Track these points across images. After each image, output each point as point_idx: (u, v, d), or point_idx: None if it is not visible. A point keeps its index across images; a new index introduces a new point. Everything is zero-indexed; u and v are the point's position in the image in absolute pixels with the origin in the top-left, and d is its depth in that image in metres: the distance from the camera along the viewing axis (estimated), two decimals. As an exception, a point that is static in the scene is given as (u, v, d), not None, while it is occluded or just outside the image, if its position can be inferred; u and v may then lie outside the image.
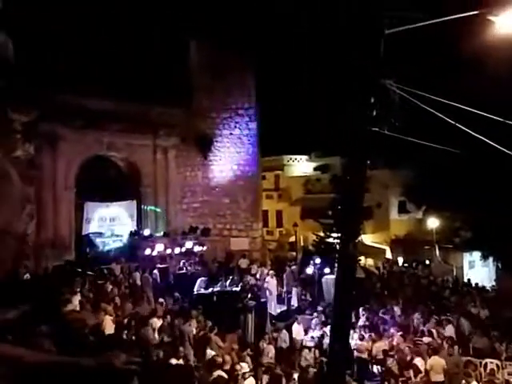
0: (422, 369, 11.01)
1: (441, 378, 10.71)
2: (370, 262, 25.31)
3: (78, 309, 10.13)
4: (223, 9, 20.95)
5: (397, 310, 15.98)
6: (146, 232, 20.00)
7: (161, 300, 14.15)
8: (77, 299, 11.00)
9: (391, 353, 12.11)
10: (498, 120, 5.94)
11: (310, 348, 12.70)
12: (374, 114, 5.19)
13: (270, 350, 11.88)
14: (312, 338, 13.25)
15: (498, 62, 12.33)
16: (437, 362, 10.89)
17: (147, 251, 18.35)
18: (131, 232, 20.55)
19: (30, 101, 13.86)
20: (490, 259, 26.58)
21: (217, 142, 23.45)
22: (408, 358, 11.57)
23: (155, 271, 16.94)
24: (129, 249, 19.54)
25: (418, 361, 11.24)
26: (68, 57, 17.72)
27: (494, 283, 24.01)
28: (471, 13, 4.87)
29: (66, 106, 17.53)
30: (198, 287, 15.51)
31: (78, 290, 12.02)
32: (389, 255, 24.94)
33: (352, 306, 6.91)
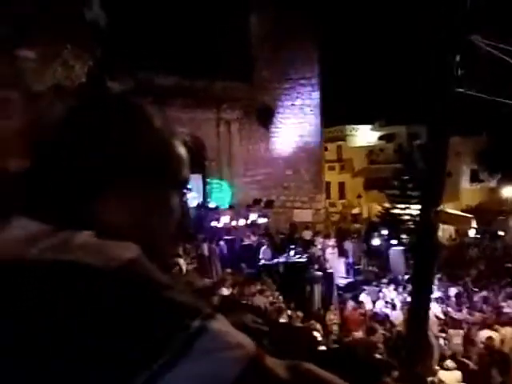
0: (498, 341, 10.67)
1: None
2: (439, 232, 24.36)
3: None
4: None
5: (469, 281, 15.44)
6: (212, 204, 20.46)
7: (228, 270, 14.56)
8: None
9: (463, 325, 11.77)
10: None
11: (379, 319, 12.58)
12: (459, 73, 4.86)
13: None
14: (381, 309, 13.11)
15: None
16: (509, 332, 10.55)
17: (213, 223, 18.82)
18: (198, 204, 21.09)
19: (124, 71, 14.45)
20: None
21: (278, 113, 23.26)
22: (479, 330, 11.22)
23: (221, 242, 17.36)
24: (195, 220, 20.10)
25: (491, 333, 10.88)
26: (136, 33, 18.15)
27: None
28: None
29: (135, 82, 18.01)
30: (262, 257, 15.77)
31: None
32: (474, 224, 23.69)
33: (433, 277, 6.72)
